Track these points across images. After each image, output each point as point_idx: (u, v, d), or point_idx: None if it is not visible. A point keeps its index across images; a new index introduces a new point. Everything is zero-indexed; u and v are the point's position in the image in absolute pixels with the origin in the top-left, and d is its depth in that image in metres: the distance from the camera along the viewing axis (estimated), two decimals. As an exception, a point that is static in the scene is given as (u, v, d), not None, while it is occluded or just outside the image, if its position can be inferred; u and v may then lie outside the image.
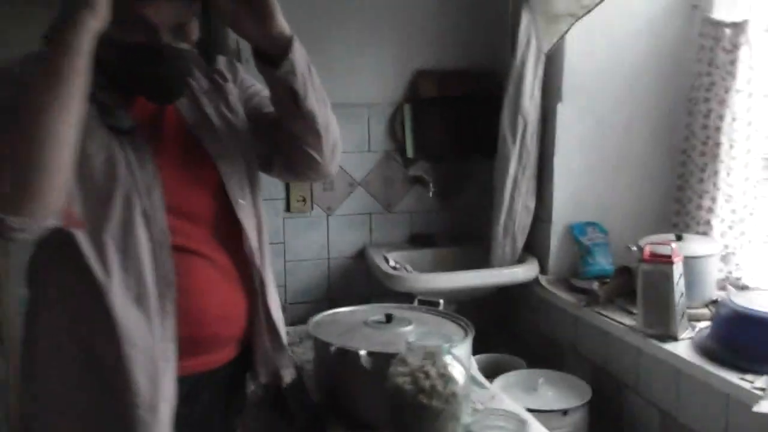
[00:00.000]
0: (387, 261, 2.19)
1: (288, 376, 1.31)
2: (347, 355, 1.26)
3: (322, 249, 2.35)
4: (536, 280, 2.13)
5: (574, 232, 2.13)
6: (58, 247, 1.02)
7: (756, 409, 1.24)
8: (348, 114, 2.28)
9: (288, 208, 2.30)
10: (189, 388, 1.12)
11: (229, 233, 1.18)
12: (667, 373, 1.61)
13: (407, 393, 1.11)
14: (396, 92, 2.32)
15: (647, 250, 1.64)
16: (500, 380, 1.79)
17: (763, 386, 1.30)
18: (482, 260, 2.24)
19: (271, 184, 2.25)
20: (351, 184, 2.34)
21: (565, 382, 1.81)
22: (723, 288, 1.84)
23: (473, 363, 1.66)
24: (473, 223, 2.44)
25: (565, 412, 1.61)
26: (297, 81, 1.10)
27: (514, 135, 2.11)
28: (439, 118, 2.33)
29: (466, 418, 1.13)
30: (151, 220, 1.05)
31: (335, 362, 1.30)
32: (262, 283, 1.23)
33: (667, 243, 1.64)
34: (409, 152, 2.34)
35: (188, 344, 1.08)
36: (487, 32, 2.33)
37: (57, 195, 0.92)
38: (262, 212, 1.24)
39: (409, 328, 1.38)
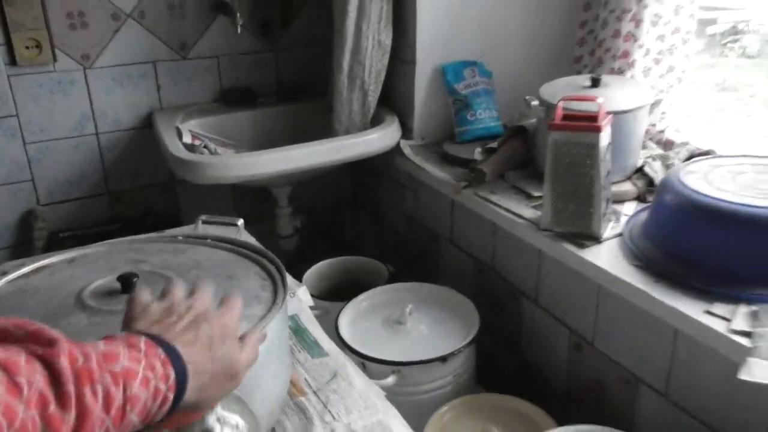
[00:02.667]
0: (180, 135, 1.46)
1: None
2: None
3: (85, 121, 1.57)
4: (398, 148, 1.53)
5: (447, 78, 1.50)
6: None
7: (745, 376, 0.77)
8: None
9: (13, 60, 1.45)
10: None
11: None
12: (583, 288, 1.13)
13: None
14: None
15: (560, 108, 1.06)
16: (348, 314, 1.23)
17: (747, 329, 0.83)
18: (324, 120, 1.59)
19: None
20: (116, 17, 1.52)
21: (441, 303, 1.28)
22: (650, 161, 1.33)
23: (305, 298, 1.06)
24: (308, 70, 1.73)
25: (444, 359, 1.10)
26: None
27: (355, -71, 1.36)
28: None
29: None
30: None
31: None
32: None
33: (590, 98, 1.07)
34: (203, -36, 1.53)
35: None
36: None
37: None
38: None
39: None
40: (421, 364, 1.08)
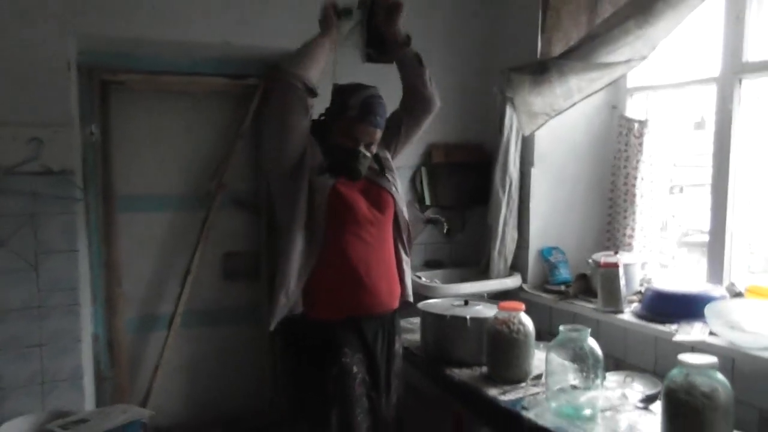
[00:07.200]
0: (420, 278, 3.10)
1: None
2: (456, 320, 2.18)
3: (365, 272, 3.22)
4: (520, 287, 3.12)
5: (544, 254, 3.15)
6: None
7: (675, 338, 2.27)
8: (383, 174, 3.20)
9: (343, 243, 3.16)
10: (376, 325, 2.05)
11: (393, 233, 2.12)
12: (618, 333, 2.64)
13: (505, 333, 2.04)
14: (415, 159, 3.28)
15: (602, 260, 2.68)
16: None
17: (676, 328, 2.34)
18: (476, 277, 3.20)
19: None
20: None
21: (553, 348, 2.79)
22: (641, 284, 2.91)
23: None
24: (469, 251, 3.41)
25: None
26: (418, 50, 2.21)
27: (503, 189, 3.12)
28: (447, 178, 3.31)
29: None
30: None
31: (446, 326, 2.21)
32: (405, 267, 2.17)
33: (612, 256, 2.70)
34: (427, 201, 3.29)
35: (369, 301, 2.01)
36: (479, 117, 3.37)
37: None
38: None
39: (479, 306, 2.31)
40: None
